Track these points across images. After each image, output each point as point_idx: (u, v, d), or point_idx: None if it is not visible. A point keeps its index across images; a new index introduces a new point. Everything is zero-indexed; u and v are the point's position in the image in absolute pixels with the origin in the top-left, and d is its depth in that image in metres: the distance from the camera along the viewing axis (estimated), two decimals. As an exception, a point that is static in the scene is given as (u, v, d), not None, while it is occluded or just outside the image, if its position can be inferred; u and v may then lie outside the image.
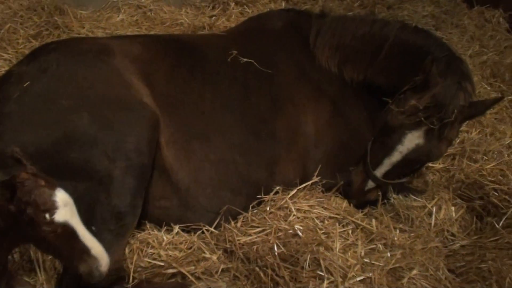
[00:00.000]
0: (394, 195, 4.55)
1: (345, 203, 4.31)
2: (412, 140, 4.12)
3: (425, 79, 4.05)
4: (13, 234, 3.01)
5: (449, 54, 4.38)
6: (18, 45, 5.83)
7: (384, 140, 4.26)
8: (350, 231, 4.04)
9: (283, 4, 7.42)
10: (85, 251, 2.97)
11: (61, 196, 2.93)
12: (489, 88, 6.17)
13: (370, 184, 4.35)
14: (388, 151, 4.22)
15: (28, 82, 3.81)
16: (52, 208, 2.87)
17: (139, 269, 3.82)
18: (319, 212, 4.10)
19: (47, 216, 2.86)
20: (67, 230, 2.92)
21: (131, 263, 3.79)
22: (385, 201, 4.55)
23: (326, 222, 4.04)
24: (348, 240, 3.95)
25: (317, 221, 4.01)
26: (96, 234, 3.48)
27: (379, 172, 4.28)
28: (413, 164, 4.33)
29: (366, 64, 4.61)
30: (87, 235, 3.00)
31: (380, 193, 4.46)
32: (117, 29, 6.60)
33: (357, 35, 4.68)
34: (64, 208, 2.91)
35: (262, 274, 3.67)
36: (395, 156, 4.20)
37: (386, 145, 4.24)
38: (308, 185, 4.30)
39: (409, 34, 4.54)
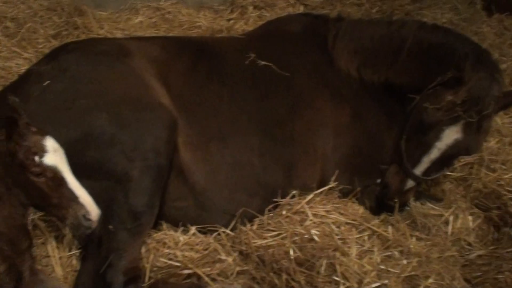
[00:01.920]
0: (412, 202, 4.52)
1: (361, 209, 4.28)
2: (450, 135, 4.16)
3: (458, 74, 4.07)
4: (9, 178, 3.17)
5: (475, 48, 4.40)
6: (38, 44, 5.87)
7: (420, 138, 4.30)
8: (366, 238, 4.02)
9: (301, 8, 7.41)
10: (73, 198, 3.13)
11: (51, 143, 3.14)
12: (508, 97, 6.11)
13: (410, 183, 4.37)
14: (426, 149, 4.27)
15: (48, 82, 3.85)
16: (41, 151, 3.09)
17: (155, 268, 3.82)
18: (335, 218, 4.07)
19: (36, 158, 3.08)
20: (56, 176, 3.11)
21: (147, 263, 3.81)
22: (402, 208, 4.53)
23: (342, 227, 4.02)
24: (364, 246, 3.93)
25: (333, 227, 3.98)
26: (113, 233, 3.55)
27: (418, 170, 4.31)
28: (451, 159, 4.40)
29: (386, 65, 4.60)
30: (76, 184, 3.16)
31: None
32: (135, 30, 6.62)
33: (376, 37, 4.68)
34: (54, 153, 3.12)
35: (276, 279, 3.67)
36: (434, 153, 4.24)
37: (423, 143, 4.28)
38: (325, 190, 4.27)
39: (428, 32, 4.54)
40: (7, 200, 3.22)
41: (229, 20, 7.14)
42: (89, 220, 3.17)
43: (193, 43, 4.68)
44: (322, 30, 4.86)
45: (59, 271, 3.72)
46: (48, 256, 3.78)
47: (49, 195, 3.14)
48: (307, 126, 4.44)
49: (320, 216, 4.06)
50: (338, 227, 4.01)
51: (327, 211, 4.10)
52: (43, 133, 3.16)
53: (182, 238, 3.97)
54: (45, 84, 3.84)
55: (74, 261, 3.82)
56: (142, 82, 4.03)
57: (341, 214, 4.13)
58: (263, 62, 4.50)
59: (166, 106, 3.99)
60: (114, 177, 3.69)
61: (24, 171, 3.10)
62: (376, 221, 4.25)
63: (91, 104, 3.80)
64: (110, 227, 3.58)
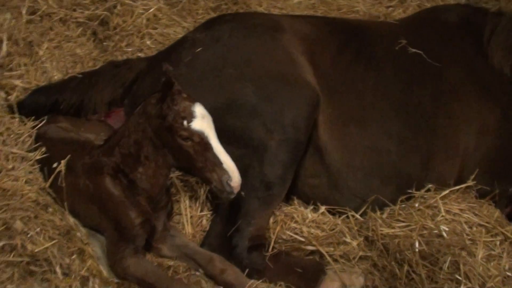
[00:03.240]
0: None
1: (497, 213, 4.08)
2: None
3: None
4: (158, 140, 3.36)
5: None
6: (197, 15, 6.04)
7: None
8: (498, 242, 3.84)
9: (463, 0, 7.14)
10: (217, 164, 3.27)
11: (199, 109, 3.28)
12: None
13: None
14: None
15: (200, 49, 4.04)
16: (190, 116, 3.24)
17: (280, 240, 3.91)
18: (468, 217, 3.93)
19: (184, 122, 3.24)
20: (202, 141, 3.25)
21: (273, 234, 3.88)
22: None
23: (474, 228, 3.87)
24: (494, 250, 3.77)
25: (465, 226, 3.86)
26: (244, 199, 3.68)
27: None
28: None
29: None
30: (221, 150, 3.29)
31: None
32: (292, 10, 6.65)
33: None
34: (201, 119, 3.26)
35: (397, 269, 3.65)
36: None
37: None
38: (462, 187, 4.13)
39: None
40: (154, 160, 3.44)
41: (388, 7, 6.98)
42: (231, 185, 3.29)
43: (345, 24, 4.68)
44: (479, 23, 4.66)
45: (189, 229, 3.90)
46: (180, 214, 3.96)
47: (195, 158, 3.29)
48: (451, 120, 4.29)
49: (453, 213, 3.94)
50: (470, 227, 3.88)
51: (460, 210, 3.98)
52: (193, 100, 3.31)
53: (311, 215, 4.01)
54: (197, 50, 4.04)
55: (204, 222, 3.98)
56: (290, 58, 4.10)
57: (475, 214, 3.98)
58: (413, 50, 4.40)
59: (310, 83, 4.04)
60: (251, 146, 3.81)
61: (173, 134, 3.27)
62: (511, 227, 4.05)
63: (238, 74, 3.94)
64: (242, 193, 3.68)
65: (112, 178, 3.49)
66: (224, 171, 3.27)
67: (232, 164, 3.30)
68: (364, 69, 4.32)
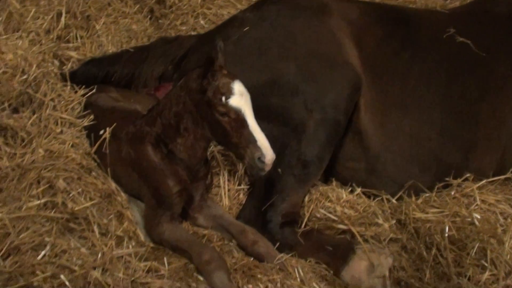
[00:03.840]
0: None
1: (534, 206, 4.09)
2: None
3: None
4: (197, 113, 3.47)
5: None
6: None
7: None
8: (531, 235, 3.84)
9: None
10: (251, 141, 3.35)
11: (238, 86, 3.37)
12: None
13: None
14: None
15: (247, 28, 4.15)
16: (228, 93, 3.33)
17: (313, 218, 3.98)
18: (504, 209, 3.92)
19: (223, 98, 3.33)
20: (239, 118, 3.34)
21: (307, 211, 3.97)
22: None
23: (509, 220, 3.84)
24: (525, 242, 3.77)
25: (499, 217, 3.85)
26: (280, 176, 3.78)
27: None
28: None
29: None
30: (257, 128, 3.37)
31: None
32: (346, -3, 6.68)
33: None
34: (239, 97, 3.35)
35: (425, 252, 3.68)
36: None
37: None
38: (500, 179, 4.13)
39: None
40: (192, 132, 3.56)
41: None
42: (263, 162, 3.38)
43: (393, 11, 4.69)
44: None
45: (226, 201, 4.02)
46: (219, 187, 4.08)
47: (230, 134, 3.38)
48: (494, 112, 4.26)
49: (488, 203, 3.94)
50: (504, 218, 3.86)
51: (497, 200, 3.97)
52: (233, 77, 3.40)
53: (345, 195, 4.06)
54: (244, 29, 4.15)
55: (241, 195, 4.10)
56: (335, 40, 4.16)
57: (511, 206, 3.99)
58: (461, 39, 4.38)
59: (354, 66, 4.10)
60: (291, 124, 3.90)
61: (211, 109, 3.38)
62: (547, 221, 4.03)
63: (283, 54, 4.04)
64: (279, 170, 3.79)
65: (153, 147, 3.63)
66: (257, 148, 3.35)
67: (266, 142, 3.37)
68: (409, 56, 4.32)
